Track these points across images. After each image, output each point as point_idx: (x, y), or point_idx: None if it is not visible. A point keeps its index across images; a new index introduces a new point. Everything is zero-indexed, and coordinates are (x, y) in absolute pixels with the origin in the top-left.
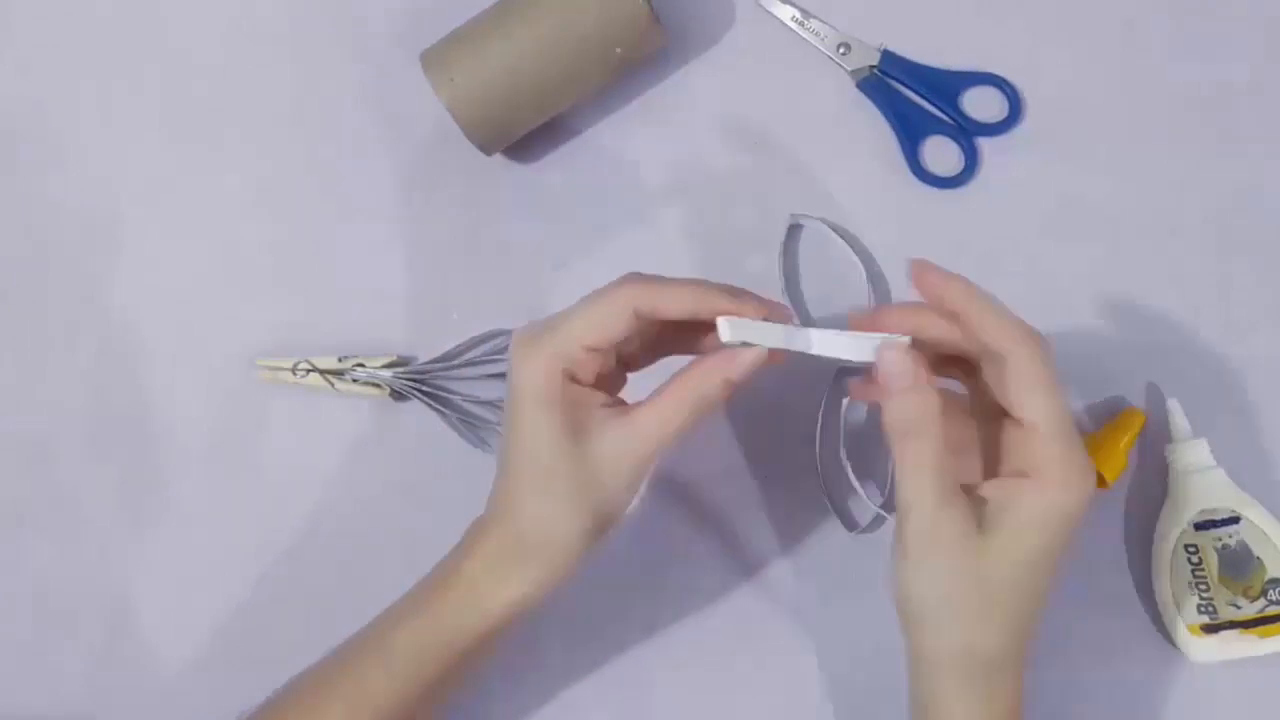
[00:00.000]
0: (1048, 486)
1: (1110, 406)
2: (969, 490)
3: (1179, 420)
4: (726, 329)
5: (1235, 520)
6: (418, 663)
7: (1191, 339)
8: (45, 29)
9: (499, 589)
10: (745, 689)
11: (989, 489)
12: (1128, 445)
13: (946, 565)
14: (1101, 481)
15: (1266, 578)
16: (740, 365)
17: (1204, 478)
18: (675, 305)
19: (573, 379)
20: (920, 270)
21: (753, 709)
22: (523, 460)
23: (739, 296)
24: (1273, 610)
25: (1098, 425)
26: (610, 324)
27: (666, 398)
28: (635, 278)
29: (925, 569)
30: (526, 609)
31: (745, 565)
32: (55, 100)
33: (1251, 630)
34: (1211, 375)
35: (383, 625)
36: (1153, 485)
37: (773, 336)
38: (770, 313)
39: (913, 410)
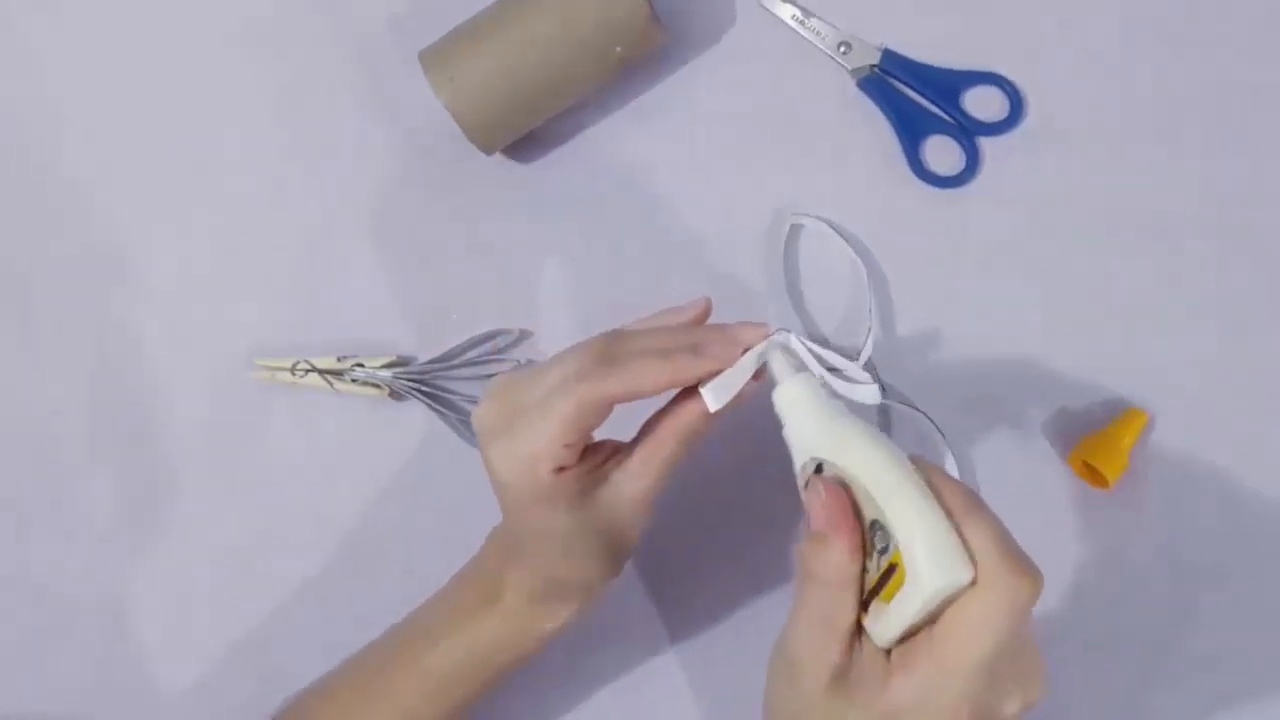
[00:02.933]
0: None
1: (1112, 407)
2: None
3: (780, 363)
4: (713, 400)
5: (819, 470)
6: (455, 684)
7: (1191, 339)
8: (47, 29)
9: (539, 623)
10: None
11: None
12: (1130, 446)
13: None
14: (1103, 482)
15: (868, 521)
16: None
17: (801, 422)
18: (650, 387)
19: (561, 470)
20: None
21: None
22: (535, 540)
23: (706, 346)
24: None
25: (1099, 425)
26: (586, 420)
27: (652, 440)
28: (603, 369)
29: None
30: (563, 633)
31: (745, 577)
32: (55, 101)
33: (882, 594)
34: (1211, 375)
35: (417, 645)
36: (1160, 489)
37: (748, 366)
38: (741, 334)
39: (814, 561)
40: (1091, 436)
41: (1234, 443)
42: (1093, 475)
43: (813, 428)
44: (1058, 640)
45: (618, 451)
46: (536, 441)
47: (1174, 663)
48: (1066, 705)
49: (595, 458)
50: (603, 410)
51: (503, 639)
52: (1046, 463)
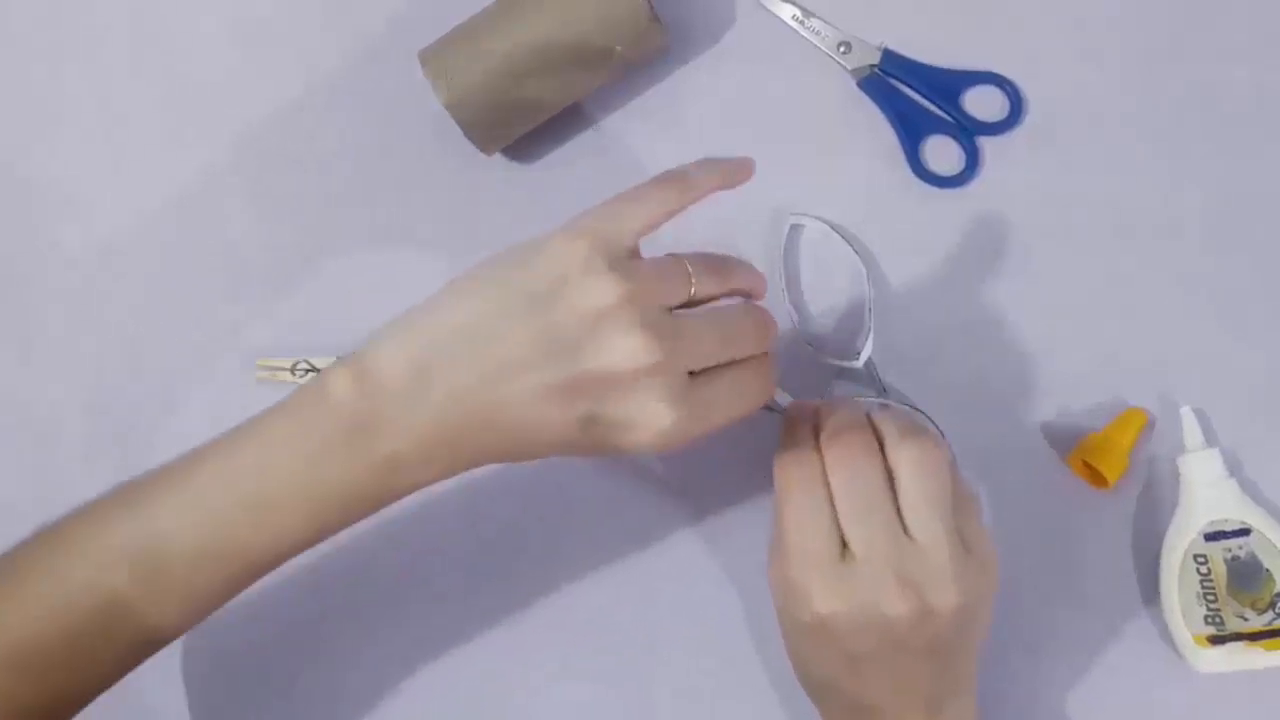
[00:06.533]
0: None
1: (1112, 406)
2: None
3: (1192, 429)
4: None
5: (1246, 532)
6: (312, 523)
7: (1191, 339)
8: (45, 29)
9: (422, 474)
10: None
11: None
12: (1129, 445)
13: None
14: (1102, 482)
15: (1275, 590)
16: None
17: (1216, 488)
18: (706, 190)
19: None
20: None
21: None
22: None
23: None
24: None
25: (1099, 425)
26: (660, 214)
27: None
28: (670, 180)
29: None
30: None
31: (737, 569)
32: (54, 99)
33: (1258, 643)
34: (1210, 375)
35: (274, 478)
36: (1159, 489)
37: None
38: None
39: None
40: (1091, 436)
41: (1234, 443)
42: (1093, 475)
43: (1236, 497)
44: (1064, 643)
45: None
46: (614, 226)
47: (1182, 673)
48: (1074, 710)
49: None
50: (671, 211)
51: (380, 490)
52: (1046, 463)
